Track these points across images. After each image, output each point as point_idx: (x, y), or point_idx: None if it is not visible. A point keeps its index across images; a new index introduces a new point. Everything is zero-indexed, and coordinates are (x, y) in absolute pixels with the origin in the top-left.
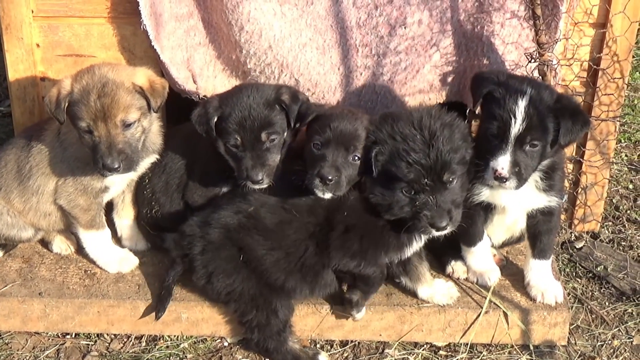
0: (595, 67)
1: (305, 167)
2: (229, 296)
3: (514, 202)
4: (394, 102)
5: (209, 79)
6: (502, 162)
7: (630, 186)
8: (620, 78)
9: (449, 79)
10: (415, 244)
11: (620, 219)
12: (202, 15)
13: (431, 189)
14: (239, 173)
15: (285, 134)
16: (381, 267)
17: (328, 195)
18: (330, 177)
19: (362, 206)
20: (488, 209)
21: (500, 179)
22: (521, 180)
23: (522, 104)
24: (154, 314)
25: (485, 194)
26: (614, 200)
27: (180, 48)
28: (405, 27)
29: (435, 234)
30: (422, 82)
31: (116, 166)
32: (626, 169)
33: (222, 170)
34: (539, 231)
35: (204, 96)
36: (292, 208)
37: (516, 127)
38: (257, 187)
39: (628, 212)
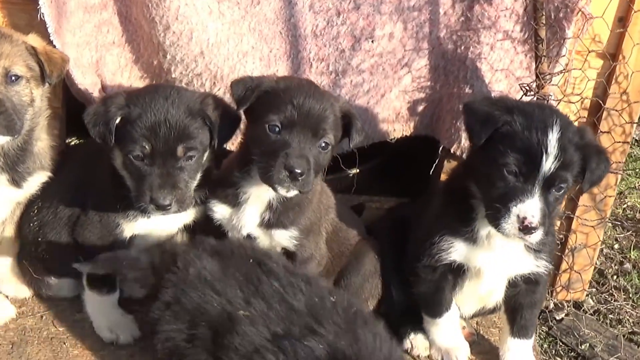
0: (601, 104)
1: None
2: None
3: (494, 264)
4: None
5: (122, 87)
6: (533, 209)
7: (616, 246)
8: (629, 122)
9: (420, 108)
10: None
11: (606, 285)
12: (118, 8)
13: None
14: (139, 193)
15: (206, 155)
16: None
17: (293, 194)
18: (300, 170)
19: None
20: (459, 272)
21: (528, 230)
22: (547, 231)
23: (553, 137)
24: None
25: (457, 252)
26: (597, 263)
27: (89, 47)
28: (372, 41)
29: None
30: (386, 109)
31: None
32: (610, 224)
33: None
34: (520, 304)
35: None
36: None
37: (547, 164)
38: (160, 213)
39: (614, 277)
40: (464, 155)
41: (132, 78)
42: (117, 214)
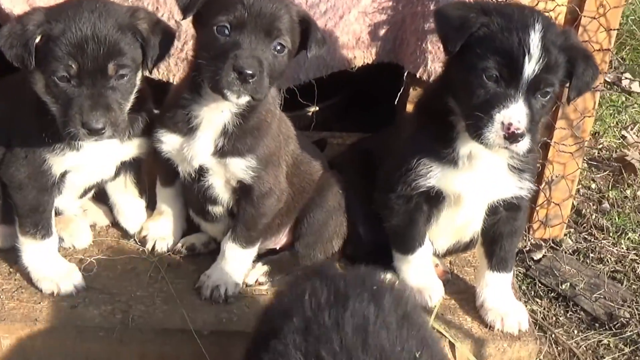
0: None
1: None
2: None
3: (476, 188)
4: (307, 58)
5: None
6: (518, 113)
7: (593, 186)
8: (606, 36)
9: (382, 32)
10: None
11: (585, 225)
12: None
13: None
14: (67, 118)
15: (138, 75)
16: None
17: (244, 100)
18: (251, 71)
19: None
20: (436, 201)
21: (514, 137)
22: (534, 139)
23: (535, 36)
24: None
25: (437, 177)
26: (574, 202)
27: None
28: None
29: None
30: (345, 34)
31: None
32: (586, 165)
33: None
34: (499, 233)
35: None
36: None
37: (530, 66)
38: (93, 139)
39: (594, 217)
40: (431, 80)
41: None
42: (43, 148)
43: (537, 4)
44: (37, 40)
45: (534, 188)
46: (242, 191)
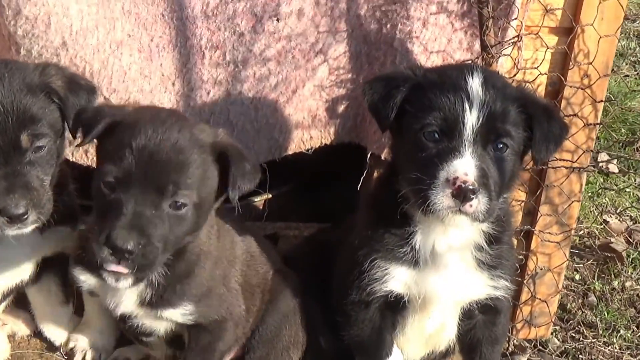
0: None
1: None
2: None
3: (443, 290)
4: (256, 140)
5: None
6: (463, 165)
7: (577, 277)
8: (596, 102)
9: (341, 108)
10: None
11: (571, 322)
12: None
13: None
14: None
15: (59, 141)
16: None
17: (126, 283)
18: (129, 247)
19: None
20: (398, 306)
21: (464, 194)
22: (492, 197)
23: (475, 81)
24: None
25: (395, 280)
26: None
27: None
28: (277, 20)
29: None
30: (300, 111)
31: None
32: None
33: None
34: (477, 340)
35: None
36: None
37: (473, 113)
38: (14, 228)
39: (581, 312)
40: None
41: None
42: None
43: (515, 74)
44: None
45: (511, 287)
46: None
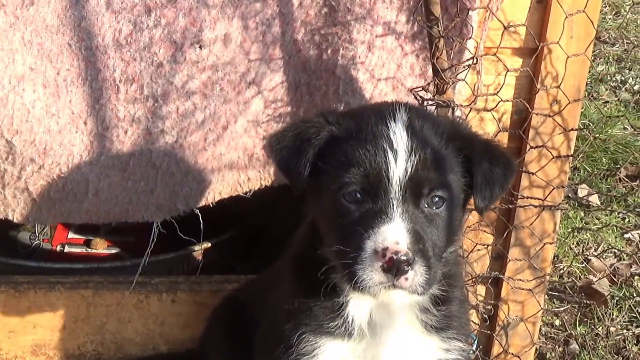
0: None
1: None
2: None
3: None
4: (185, 183)
5: None
6: (393, 232)
7: (557, 322)
8: (566, 131)
9: None
10: None
11: None
12: None
13: None
14: None
15: None
16: None
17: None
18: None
19: None
20: None
21: (397, 267)
22: (431, 264)
23: (398, 125)
24: None
25: (327, 355)
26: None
27: None
28: (200, 47)
29: None
30: (233, 150)
31: None
32: (546, 297)
33: None
34: None
35: None
36: None
37: (399, 164)
38: None
39: None
40: None
41: None
42: None
43: (472, 102)
44: None
45: (466, 348)
46: None
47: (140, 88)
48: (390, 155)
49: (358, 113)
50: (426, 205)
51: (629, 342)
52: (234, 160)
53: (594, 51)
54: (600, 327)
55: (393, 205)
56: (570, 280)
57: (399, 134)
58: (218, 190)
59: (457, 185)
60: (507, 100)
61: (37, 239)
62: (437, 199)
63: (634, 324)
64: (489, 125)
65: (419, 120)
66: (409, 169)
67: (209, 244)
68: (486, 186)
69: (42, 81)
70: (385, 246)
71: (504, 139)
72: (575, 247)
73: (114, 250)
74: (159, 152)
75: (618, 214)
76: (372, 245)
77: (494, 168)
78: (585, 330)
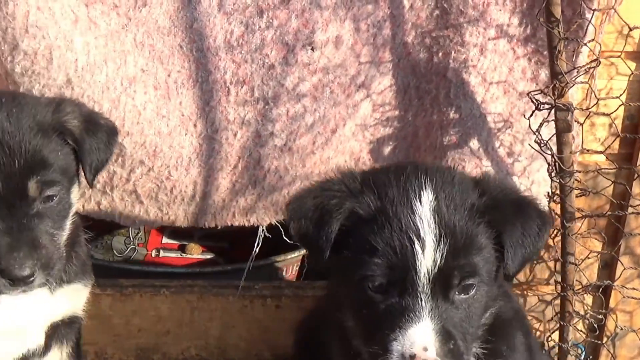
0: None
1: None
2: None
3: None
4: (291, 186)
5: None
6: (422, 338)
7: None
8: None
9: (387, 150)
10: None
11: None
12: None
13: None
14: None
15: (74, 190)
16: None
17: None
18: None
19: None
20: None
21: None
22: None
23: (425, 207)
24: None
25: None
26: None
27: None
28: (312, 49)
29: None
30: (341, 154)
31: None
32: None
33: None
34: None
35: None
36: None
37: (427, 256)
38: (18, 291)
39: None
40: None
41: None
42: None
43: (593, 105)
44: None
45: None
46: None
47: (251, 90)
48: (417, 246)
49: (381, 184)
50: (457, 295)
51: None
52: (341, 164)
53: None
54: None
55: (421, 300)
56: None
57: (425, 221)
58: None
59: (488, 263)
60: (624, 104)
61: (132, 243)
62: (468, 287)
63: None
64: (599, 131)
65: (446, 196)
66: (438, 260)
67: None
68: (518, 253)
69: (153, 83)
70: (413, 353)
71: (615, 144)
72: None
73: (208, 256)
74: (267, 155)
75: None
76: (400, 348)
77: (526, 234)
78: None
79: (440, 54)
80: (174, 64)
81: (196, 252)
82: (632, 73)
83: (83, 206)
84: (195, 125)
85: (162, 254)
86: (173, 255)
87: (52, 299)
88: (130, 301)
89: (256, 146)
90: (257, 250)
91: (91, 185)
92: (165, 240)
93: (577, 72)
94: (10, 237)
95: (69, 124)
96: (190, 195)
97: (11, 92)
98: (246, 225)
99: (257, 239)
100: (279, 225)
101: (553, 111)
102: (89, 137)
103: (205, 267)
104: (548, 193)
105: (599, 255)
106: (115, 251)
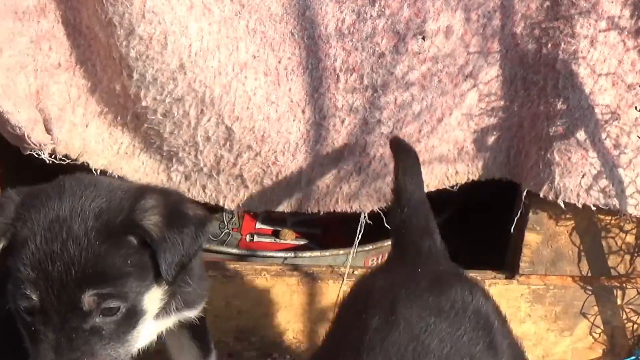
0: None
1: None
2: None
3: None
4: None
5: (75, 128)
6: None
7: None
8: None
9: (491, 140)
10: None
11: None
12: (62, 13)
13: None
14: None
15: (146, 297)
16: None
17: None
18: None
19: None
20: None
21: None
22: None
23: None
24: None
25: None
26: None
27: (24, 71)
28: (423, 38)
29: None
30: (445, 143)
31: None
32: None
33: None
34: None
35: (64, 156)
36: None
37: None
38: None
39: None
40: (560, 200)
41: (88, 114)
42: None
43: None
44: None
45: None
46: None
47: (360, 78)
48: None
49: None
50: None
51: None
52: (444, 153)
53: None
54: None
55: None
56: None
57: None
58: (426, 182)
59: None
60: None
61: (226, 227)
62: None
63: None
64: None
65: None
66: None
67: None
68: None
69: (263, 69)
70: None
71: None
72: None
73: (301, 242)
74: (373, 142)
75: None
76: None
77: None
78: None
79: (549, 45)
80: (285, 51)
81: (290, 238)
82: None
83: (189, 189)
84: (303, 112)
85: (256, 238)
86: (267, 240)
87: None
88: (232, 283)
89: (363, 133)
90: (360, 236)
91: (169, 283)
92: (259, 225)
93: None
94: (54, 354)
95: (148, 222)
96: (296, 180)
97: (82, 177)
98: (348, 211)
99: (359, 226)
100: (380, 212)
101: None
102: (170, 233)
103: (302, 251)
104: None
105: None
106: (210, 235)
